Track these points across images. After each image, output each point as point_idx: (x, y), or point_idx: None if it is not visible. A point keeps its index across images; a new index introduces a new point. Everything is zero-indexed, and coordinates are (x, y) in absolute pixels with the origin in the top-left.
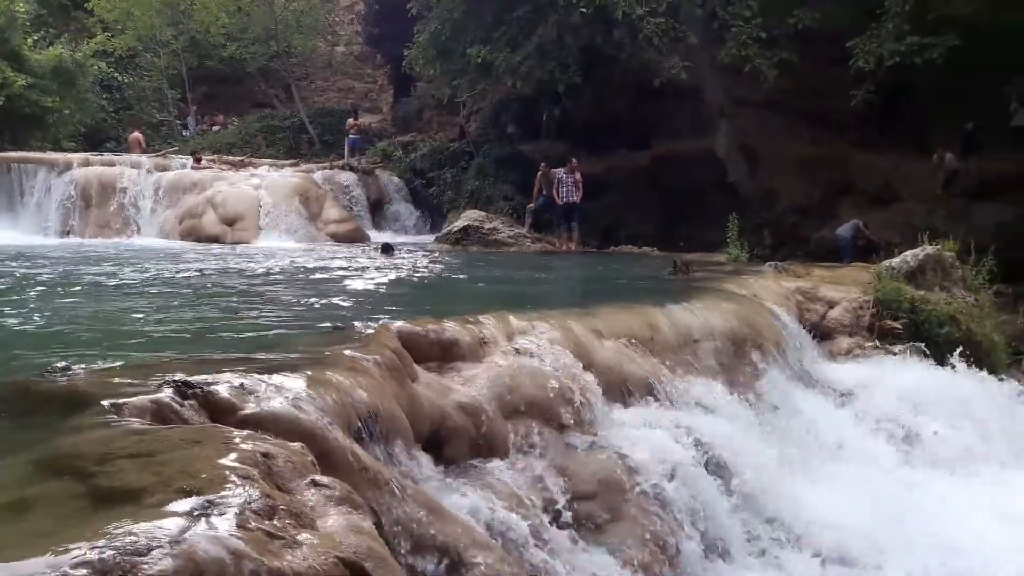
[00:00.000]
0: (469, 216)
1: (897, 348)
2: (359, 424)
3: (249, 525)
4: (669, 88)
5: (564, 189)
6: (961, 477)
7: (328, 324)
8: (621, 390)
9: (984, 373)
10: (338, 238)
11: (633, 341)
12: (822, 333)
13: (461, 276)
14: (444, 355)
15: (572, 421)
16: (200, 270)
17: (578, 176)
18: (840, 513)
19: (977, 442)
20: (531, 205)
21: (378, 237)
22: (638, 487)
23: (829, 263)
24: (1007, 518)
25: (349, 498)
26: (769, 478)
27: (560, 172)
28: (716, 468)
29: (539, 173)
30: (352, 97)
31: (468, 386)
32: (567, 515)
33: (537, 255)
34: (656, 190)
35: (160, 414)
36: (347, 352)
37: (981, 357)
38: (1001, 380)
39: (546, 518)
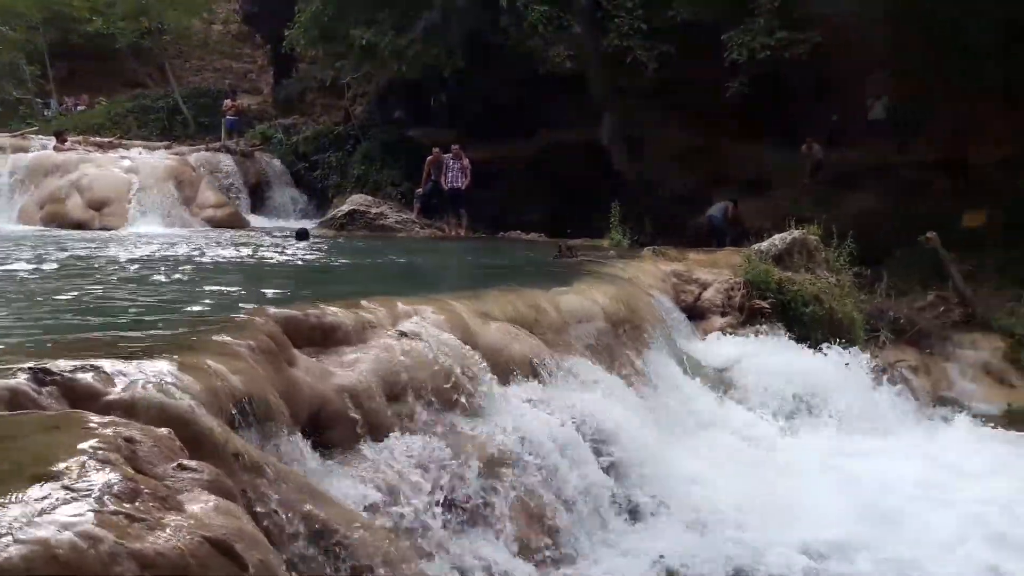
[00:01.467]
0: (355, 201)
1: (766, 326)
2: (232, 409)
3: (107, 509)
4: (555, 77)
5: (451, 175)
6: (823, 443)
7: (201, 309)
8: (507, 370)
9: (844, 348)
10: (215, 223)
11: (519, 323)
12: (697, 313)
13: (346, 261)
14: (325, 339)
15: (458, 402)
16: (63, 256)
17: (465, 162)
18: (711, 481)
19: (838, 412)
20: (419, 191)
21: (258, 222)
22: (521, 464)
23: (705, 248)
24: (854, 480)
25: (218, 481)
26: (646, 451)
27: (447, 158)
28: (596, 442)
29: (429, 158)
30: (230, 77)
31: (350, 370)
32: (451, 495)
33: (425, 241)
34: (544, 177)
35: (15, 402)
36: (220, 337)
37: (842, 333)
38: (859, 355)
39: (430, 498)
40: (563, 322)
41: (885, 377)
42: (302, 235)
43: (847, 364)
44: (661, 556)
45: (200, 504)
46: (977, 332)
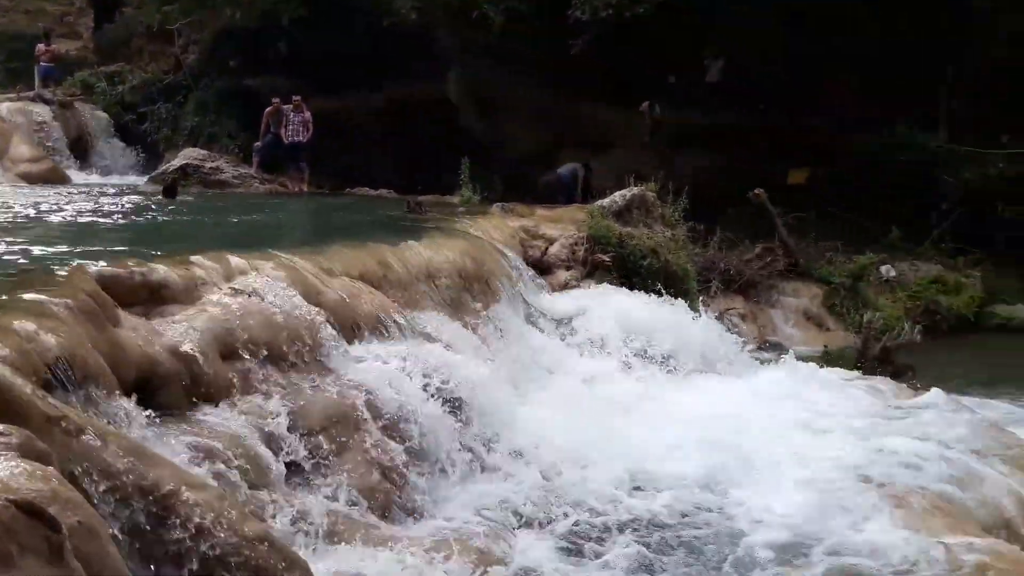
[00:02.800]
0: (188, 155)
1: (607, 278)
2: (48, 372)
3: None
4: (401, 29)
5: (291, 128)
6: (660, 384)
7: (13, 270)
8: (352, 327)
9: (679, 298)
10: (31, 179)
11: (365, 279)
12: (544, 267)
13: (178, 218)
14: (153, 298)
15: (300, 360)
16: None
17: (307, 115)
18: (558, 425)
19: (674, 357)
20: (258, 144)
21: (81, 179)
22: (368, 419)
23: (552, 204)
24: (686, 415)
25: (29, 444)
26: (495, 400)
27: (287, 109)
28: (445, 395)
29: (268, 110)
30: (44, 20)
31: (181, 330)
32: (293, 453)
33: (266, 196)
34: (394, 132)
35: None
36: (34, 296)
37: (677, 284)
38: (692, 304)
39: (270, 457)
40: (412, 277)
41: (717, 324)
42: (170, 191)
43: (681, 312)
44: (507, 500)
45: (7, 468)
46: (799, 281)
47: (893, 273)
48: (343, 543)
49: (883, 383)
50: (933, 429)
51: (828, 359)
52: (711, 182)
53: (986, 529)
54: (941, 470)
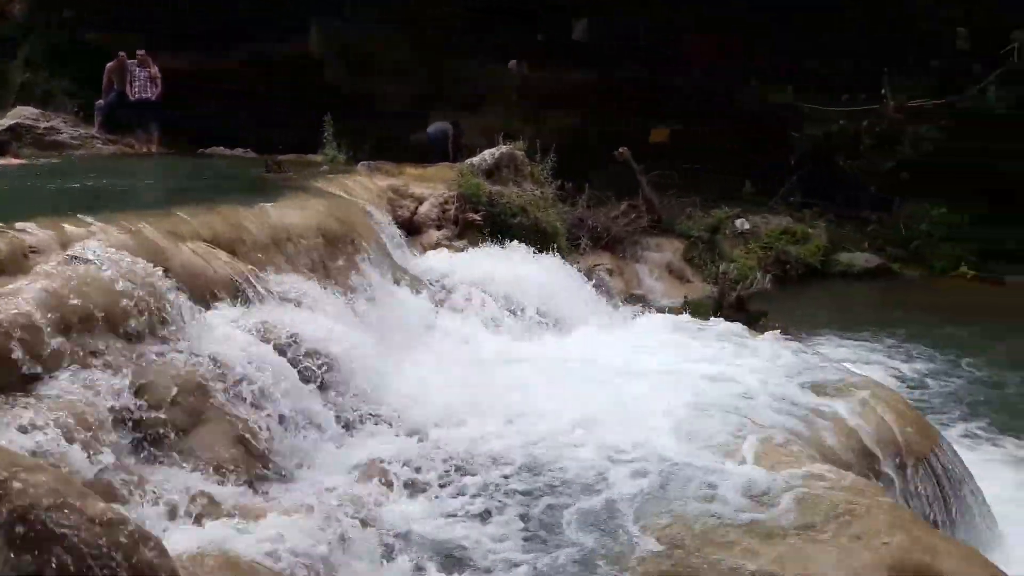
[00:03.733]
0: (19, 114)
1: (478, 237)
2: None
3: None
4: None
5: (137, 84)
6: (533, 344)
7: None
8: (205, 293)
9: (549, 255)
10: None
11: (219, 243)
12: (414, 227)
13: (6, 184)
14: None
15: (146, 329)
16: None
17: (154, 70)
18: (430, 386)
19: (546, 312)
20: (100, 102)
21: None
22: (225, 388)
23: (422, 163)
24: (559, 368)
25: None
26: (363, 363)
27: (132, 64)
28: (310, 359)
29: (109, 65)
30: None
31: (8, 302)
32: (143, 427)
33: (110, 158)
34: (253, 89)
35: None
36: None
37: (547, 242)
38: (562, 260)
39: (114, 433)
40: (270, 240)
41: (586, 279)
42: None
43: (553, 268)
44: (379, 461)
45: None
46: (662, 236)
47: (747, 226)
48: (205, 519)
49: (737, 329)
50: (779, 368)
51: (689, 309)
52: (579, 140)
53: (830, 460)
54: (787, 406)
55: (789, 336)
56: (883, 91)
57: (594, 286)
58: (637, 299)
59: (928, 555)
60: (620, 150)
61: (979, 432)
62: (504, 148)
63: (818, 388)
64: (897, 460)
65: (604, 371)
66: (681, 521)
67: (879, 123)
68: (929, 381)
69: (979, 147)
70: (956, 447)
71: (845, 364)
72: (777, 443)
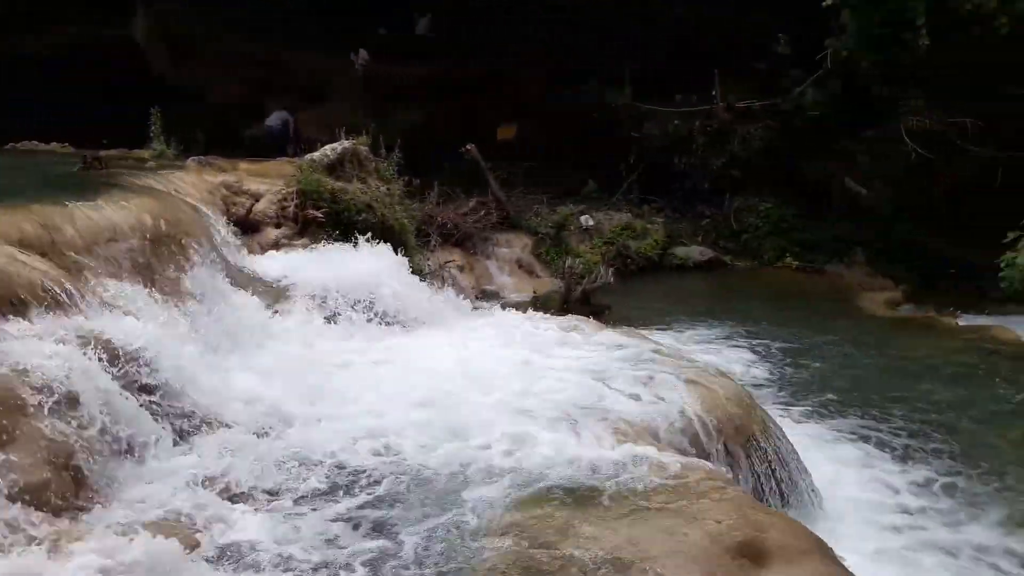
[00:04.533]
0: None
1: (321, 235)
2: None
3: None
4: None
5: None
6: (377, 340)
7: None
8: (12, 301)
9: (396, 253)
10: None
11: (28, 246)
12: (250, 226)
13: None
14: None
15: None
16: None
17: None
18: (268, 390)
19: (391, 311)
20: None
21: None
22: (33, 404)
23: (259, 158)
24: (403, 370)
25: None
26: (194, 370)
27: None
28: (134, 369)
29: None
30: None
31: None
32: None
33: None
34: (72, 78)
35: None
36: None
37: (394, 239)
38: (411, 258)
39: None
40: (88, 242)
41: (435, 276)
42: None
43: (397, 266)
44: (212, 473)
45: None
46: (511, 232)
47: (591, 222)
48: (14, 548)
49: (582, 321)
50: (618, 357)
51: (537, 304)
52: (427, 136)
53: (665, 444)
54: (624, 393)
55: (630, 326)
56: (713, 92)
57: (443, 283)
58: (488, 295)
59: (758, 531)
60: (468, 147)
61: (804, 410)
62: (347, 143)
63: (654, 374)
64: (728, 441)
65: (447, 367)
66: (520, 510)
67: (711, 123)
68: (759, 364)
69: (798, 146)
70: (783, 425)
71: (681, 351)
72: (614, 429)
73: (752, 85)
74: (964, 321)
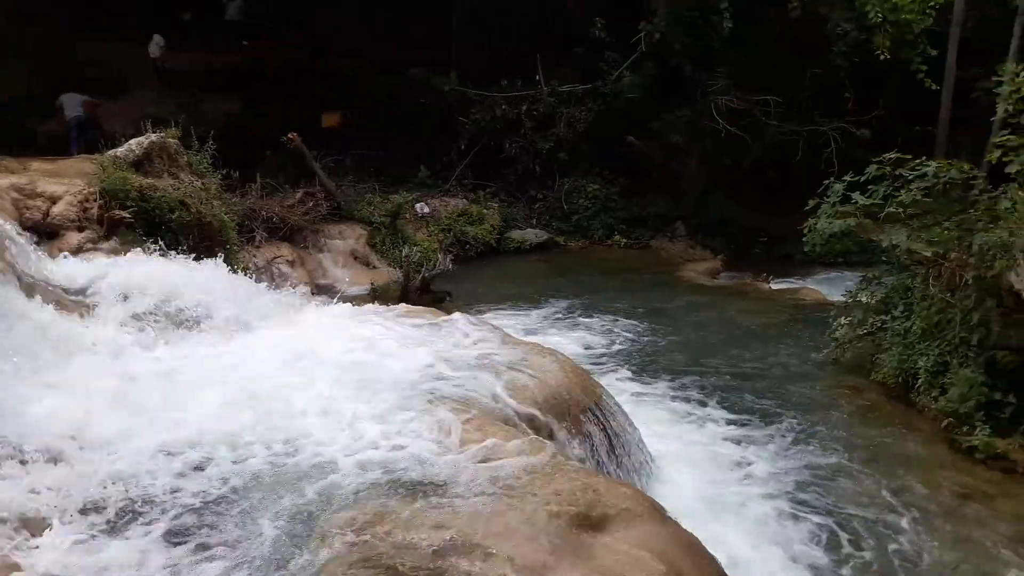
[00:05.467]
0: None
1: (130, 237)
2: None
3: None
4: None
5: None
6: (199, 347)
7: None
8: None
9: (215, 251)
10: None
11: None
12: (48, 231)
13: None
14: None
15: None
16: None
17: None
18: (77, 408)
19: (209, 315)
20: None
21: None
22: None
23: (54, 157)
24: (230, 374)
25: None
26: None
27: None
28: None
29: None
30: None
31: None
32: None
33: None
34: None
35: None
36: None
37: (214, 237)
38: (233, 256)
39: None
40: None
41: (264, 274)
42: None
43: (213, 267)
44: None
45: None
46: (344, 223)
47: (427, 209)
48: None
49: (422, 311)
50: (458, 343)
51: (376, 296)
52: (246, 126)
53: (505, 425)
54: (465, 378)
55: (471, 312)
56: (537, 77)
57: (273, 280)
58: (323, 289)
59: (596, 500)
60: (290, 136)
61: (638, 377)
62: (153, 136)
63: (494, 357)
64: (567, 417)
65: (275, 368)
66: (358, 503)
67: (537, 107)
68: (595, 337)
69: (619, 127)
70: (620, 393)
71: (520, 332)
72: (455, 415)
73: (574, 70)
74: (776, 285)
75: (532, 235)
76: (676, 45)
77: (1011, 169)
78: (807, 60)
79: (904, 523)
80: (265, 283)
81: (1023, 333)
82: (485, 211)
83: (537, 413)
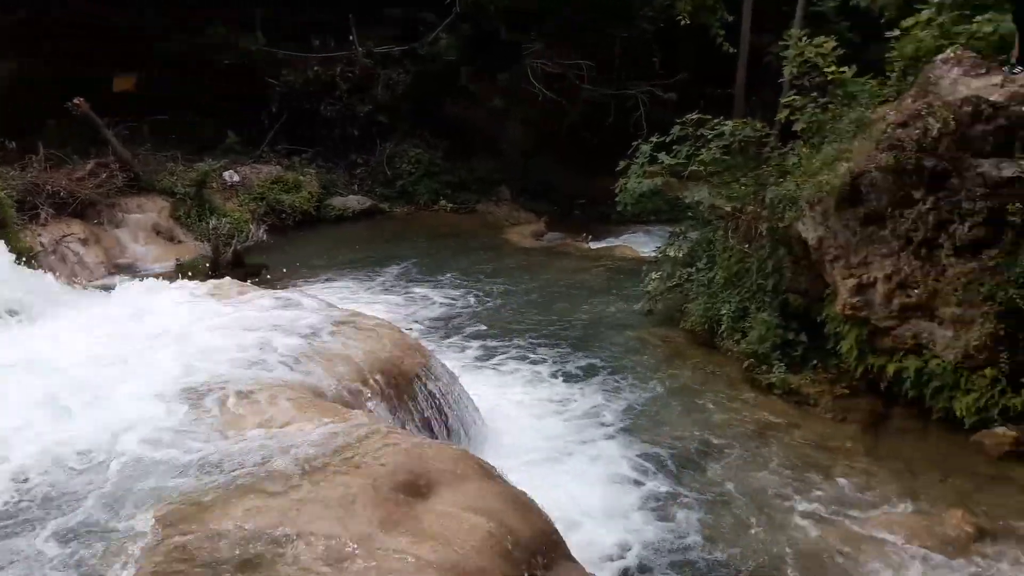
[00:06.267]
0: None
1: None
2: None
3: None
4: None
5: None
6: None
7: None
8: None
9: None
10: None
11: None
12: None
13: None
14: None
15: None
16: None
17: None
18: None
19: None
20: None
21: None
22: None
23: None
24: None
25: None
26: None
27: None
28: None
29: None
30: None
31: None
32: None
33: None
34: None
35: None
36: None
37: None
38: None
39: None
40: None
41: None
42: None
43: None
44: None
45: None
46: (143, 196)
47: (237, 178)
48: None
49: (232, 285)
50: (276, 318)
51: (183, 272)
52: (22, 91)
53: (328, 400)
54: (286, 354)
55: (291, 284)
56: (351, 38)
57: (61, 261)
58: (123, 269)
59: (421, 466)
60: (76, 101)
61: (467, 341)
62: None
63: (315, 331)
64: (393, 386)
65: (69, 358)
66: (179, 497)
67: (352, 69)
68: (423, 304)
69: (439, 90)
70: (449, 358)
71: (346, 302)
72: (274, 393)
73: (389, 31)
74: (595, 244)
75: (354, 202)
76: (491, 7)
77: (797, 127)
78: (616, 25)
79: (712, 453)
80: (52, 266)
81: (811, 278)
82: (302, 178)
83: (359, 385)
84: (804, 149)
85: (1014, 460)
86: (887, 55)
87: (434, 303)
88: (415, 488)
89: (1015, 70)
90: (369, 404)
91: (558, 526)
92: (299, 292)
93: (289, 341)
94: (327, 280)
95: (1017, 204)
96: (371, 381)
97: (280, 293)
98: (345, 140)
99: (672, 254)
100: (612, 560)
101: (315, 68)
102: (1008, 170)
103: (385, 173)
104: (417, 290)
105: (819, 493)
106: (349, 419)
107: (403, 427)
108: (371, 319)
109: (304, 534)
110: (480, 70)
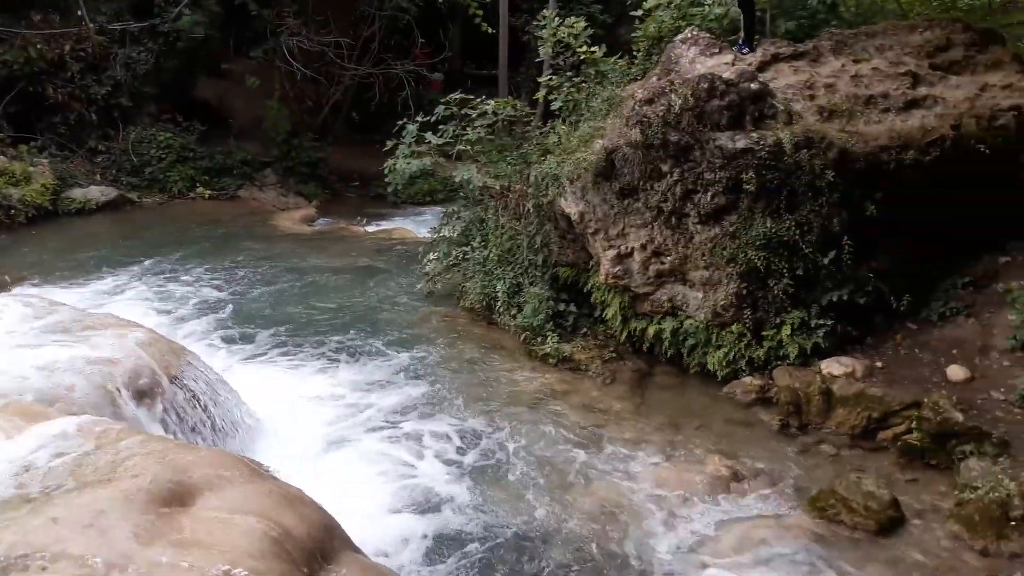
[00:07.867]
0: None
1: None
2: None
3: None
4: None
5: None
6: None
7: None
8: None
9: None
10: None
11: None
12: None
13: None
14: None
15: None
16: None
17: None
18: None
19: None
20: None
21: None
22: None
23: None
24: None
25: None
26: None
27: None
28: None
29: None
30: None
31: None
32: None
33: None
34: None
35: None
36: None
37: None
38: None
39: None
40: None
41: None
42: None
43: None
44: None
45: None
46: None
47: None
48: None
49: None
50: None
51: None
52: None
53: (77, 411)
54: (25, 364)
55: (24, 286)
56: (80, 12)
57: None
58: None
59: (182, 474)
60: None
61: (234, 337)
62: None
63: (58, 338)
64: (147, 391)
65: None
66: None
67: (84, 47)
68: (181, 301)
69: (187, 69)
70: (214, 357)
71: (92, 304)
72: (20, 406)
73: (124, 4)
74: (371, 227)
75: (97, 193)
76: None
77: (555, 106)
78: (372, 3)
79: (494, 424)
80: None
81: (576, 251)
82: (32, 168)
83: (115, 393)
84: (563, 127)
85: (760, 406)
86: (633, 35)
87: (195, 300)
88: (175, 498)
89: (743, 50)
90: (125, 413)
91: (339, 518)
92: (37, 295)
93: (33, 346)
94: (69, 280)
95: (751, 173)
96: (124, 387)
97: (14, 298)
98: (82, 125)
99: (447, 234)
100: (401, 542)
101: (38, 46)
102: (741, 142)
103: (131, 160)
104: (175, 287)
105: (594, 452)
106: (104, 430)
107: (161, 432)
108: (121, 320)
109: (55, 556)
110: (234, 48)
